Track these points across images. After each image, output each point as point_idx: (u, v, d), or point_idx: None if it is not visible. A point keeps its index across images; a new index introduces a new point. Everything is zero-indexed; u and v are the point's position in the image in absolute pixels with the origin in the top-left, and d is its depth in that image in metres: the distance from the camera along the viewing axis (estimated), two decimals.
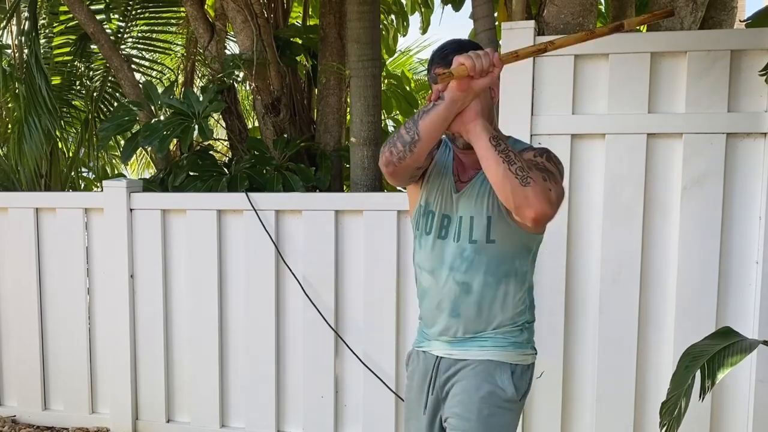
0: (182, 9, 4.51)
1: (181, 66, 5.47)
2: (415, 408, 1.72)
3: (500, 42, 2.62)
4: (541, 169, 1.47)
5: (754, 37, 2.39)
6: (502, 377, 1.58)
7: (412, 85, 6.70)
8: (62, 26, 5.05)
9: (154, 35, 5.29)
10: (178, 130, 3.48)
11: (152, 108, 3.87)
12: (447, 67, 1.40)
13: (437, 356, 1.66)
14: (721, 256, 2.44)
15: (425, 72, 7.87)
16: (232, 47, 5.17)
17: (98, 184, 5.20)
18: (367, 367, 2.85)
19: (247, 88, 4.58)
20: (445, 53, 1.52)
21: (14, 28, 4.78)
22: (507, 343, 1.60)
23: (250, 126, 5.39)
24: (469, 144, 1.49)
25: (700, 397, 1.67)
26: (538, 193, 1.38)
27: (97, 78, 5.14)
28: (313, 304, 2.89)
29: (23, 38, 4.42)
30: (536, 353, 1.69)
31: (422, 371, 1.70)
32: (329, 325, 2.89)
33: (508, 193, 1.40)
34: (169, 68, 5.96)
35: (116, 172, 6.14)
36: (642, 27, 4.36)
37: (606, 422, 2.58)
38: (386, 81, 4.98)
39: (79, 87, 5.18)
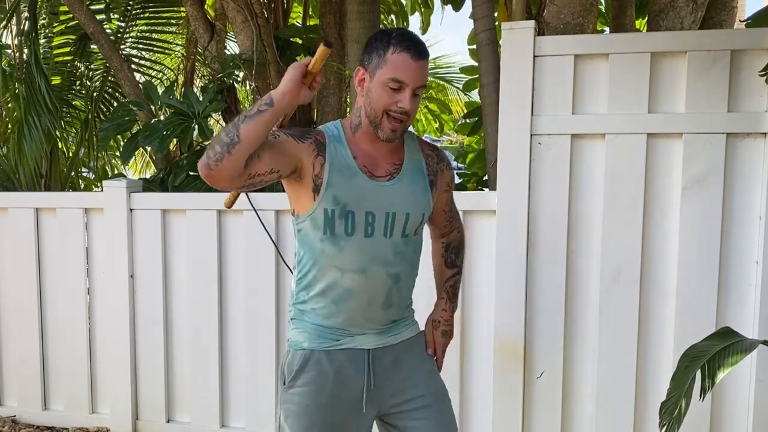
0: (182, 9, 4.51)
1: (181, 66, 5.47)
2: (334, 411, 1.62)
3: (500, 42, 2.62)
4: None
5: (754, 37, 2.39)
6: (424, 345, 1.78)
7: None
8: (62, 26, 5.05)
9: (154, 35, 5.30)
10: (178, 130, 3.48)
11: (152, 108, 3.87)
12: (420, 55, 1.51)
13: (367, 350, 1.62)
14: (721, 256, 2.44)
15: None
16: (232, 47, 5.18)
17: (98, 184, 5.21)
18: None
19: (247, 88, 4.58)
20: (413, 41, 1.52)
21: (14, 28, 4.78)
22: (414, 317, 1.76)
23: None
24: (391, 137, 1.55)
25: (700, 397, 1.67)
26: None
27: (97, 78, 5.14)
28: None
29: (23, 38, 4.42)
30: None
31: (341, 368, 1.61)
32: None
33: None
34: (169, 68, 5.96)
35: (116, 172, 6.14)
36: (642, 27, 4.37)
37: (606, 422, 2.58)
38: None
39: (79, 87, 5.18)
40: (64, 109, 5.00)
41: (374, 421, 1.70)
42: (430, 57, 1.62)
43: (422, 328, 1.83)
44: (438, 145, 1.72)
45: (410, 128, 1.67)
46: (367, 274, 1.57)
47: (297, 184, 1.57)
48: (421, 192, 1.63)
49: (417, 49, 1.50)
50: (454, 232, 1.86)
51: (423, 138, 1.76)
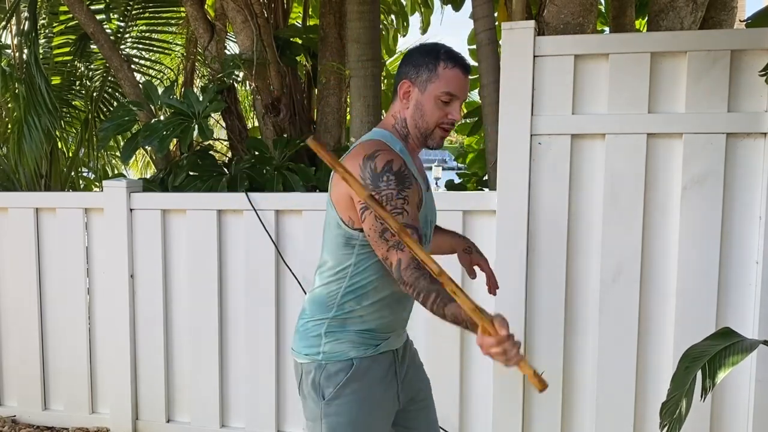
0: (182, 9, 4.51)
1: (181, 66, 5.47)
2: (383, 413, 1.68)
3: (500, 42, 2.62)
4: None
5: (754, 37, 2.39)
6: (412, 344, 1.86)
7: None
8: (62, 26, 5.05)
9: (154, 35, 5.29)
10: (178, 130, 3.48)
11: (152, 108, 3.87)
12: (468, 70, 1.62)
13: (395, 350, 1.72)
14: (721, 256, 2.44)
15: None
16: (232, 47, 5.17)
17: (98, 184, 5.21)
18: None
19: (247, 88, 4.58)
20: (460, 57, 1.61)
21: (14, 28, 4.78)
22: None
23: (250, 126, 5.39)
24: (441, 144, 1.64)
25: (701, 397, 1.67)
26: None
27: (97, 78, 5.14)
28: None
29: (23, 38, 4.42)
30: None
31: (384, 371, 1.67)
32: None
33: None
34: (169, 68, 5.96)
35: (116, 172, 6.14)
36: (642, 27, 4.37)
37: (606, 422, 2.58)
38: (386, 81, 4.99)
39: (79, 87, 5.18)
40: (64, 109, 5.00)
41: None
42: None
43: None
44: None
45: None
46: None
47: None
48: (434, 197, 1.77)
49: (465, 65, 1.62)
50: None
51: None
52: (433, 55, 1.60)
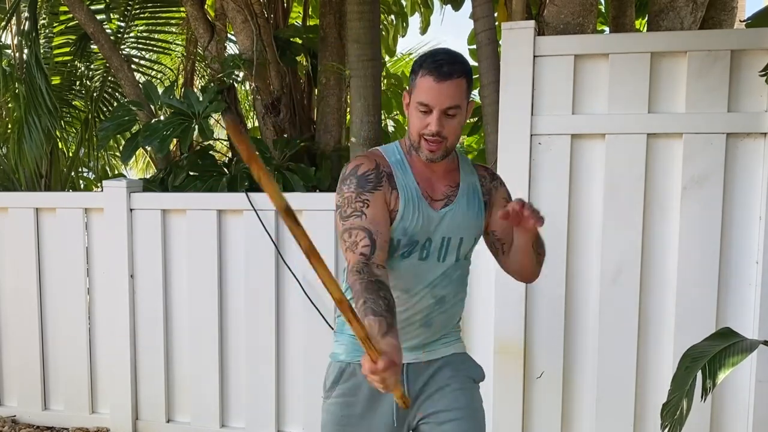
0: (182, 9, 4.51)
1: (181, 66, 5.47)
2: (369, 423, 1.64)
3: (500, 42, 2.62)
4: None
5: (754, 37, 2.40)
6: (470, 365, 1.73)
7: None
8: (62, 26, 5.05)
9: (154, 35, 5.29)
10: (178, 130, 3.48)
11: (152, 108, 3.87)
12: (445, 76, 1.47)
13: (403, 364, 1.60)
14: (721, 256, 2.44)
15: None
16: (232, 47, 5.17)
17: (98, 184, 5.20)
18: None
19: (247, 88, 4.58)
20: (439, 62, 1.49)
21: (14, 28, 4.78)
22: (459, 338, 1.75)
23: (250, 126, 5.40)
24: (430, 157, 1.54)
25: (701, 397, 1.67)
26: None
27: (97, 78, 5.14)
28: (313, 304, 2.89)
29: (23, 38, 4.41)
30: None
31: None
32: (329, 325, 2.89)
33: (532, 271, 1.66)
34: (169, 68, 5.96)
35: (116, 172, 6.14)
36: (642, 27, 4.37)
37: (606, 422, 2.58)
38: (386, 81, 4.99)
39: (79, 87, 5.17)
40: (64, 109, 4.99)
41: None
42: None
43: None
44: None
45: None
46: (410, 293, 1.60)
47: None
48: (475, 216, 1.63)
49: (441, 71, 1.49)
50: None
51: None
52: (418, 62, 1.53)
